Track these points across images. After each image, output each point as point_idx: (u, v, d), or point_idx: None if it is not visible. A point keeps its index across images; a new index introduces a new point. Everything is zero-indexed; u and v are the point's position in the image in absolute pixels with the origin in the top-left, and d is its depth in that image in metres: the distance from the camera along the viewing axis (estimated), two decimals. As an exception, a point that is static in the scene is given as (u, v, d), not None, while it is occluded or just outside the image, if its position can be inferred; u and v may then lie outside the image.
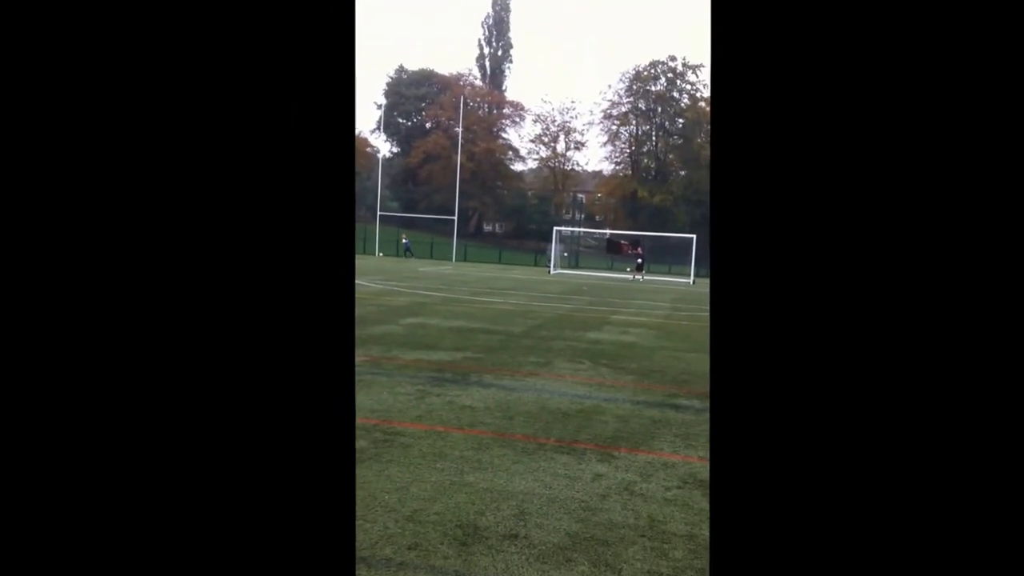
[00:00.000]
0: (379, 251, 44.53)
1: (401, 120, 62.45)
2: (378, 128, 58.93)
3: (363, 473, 4.22)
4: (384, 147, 61.80)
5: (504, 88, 66.00)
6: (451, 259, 43.76)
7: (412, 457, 4.61)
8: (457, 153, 48.64)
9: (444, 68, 77.44)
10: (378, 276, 23.97)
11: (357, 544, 3.25)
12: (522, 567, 3.15)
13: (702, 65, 52.62)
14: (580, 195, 61.16)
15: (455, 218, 45.58)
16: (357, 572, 2.98)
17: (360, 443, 4.83)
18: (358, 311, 12.89)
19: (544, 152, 60.42)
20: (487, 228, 61.27)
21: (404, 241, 44.28)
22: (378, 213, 46.28)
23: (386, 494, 3.92)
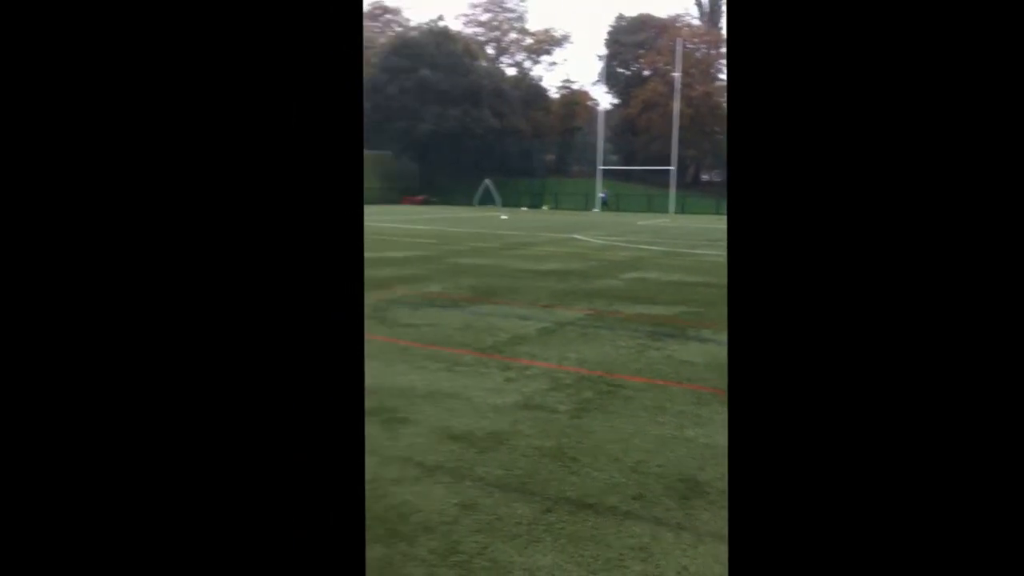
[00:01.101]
0: (599, 207, 44.74)
1: (621, 70, 61.62)
2: (600, 80, 58.77)
3: (589, 422, 4.48)
4: (604, 99, 61.58)
5: (721, 26, 62.62)
6: (668, 211, 42.91)
7: (634, 409, 4.80)
8: (674, 99, 47.20)
9: (661, 11, 75.12)
10: (600, 231, 24.24)
11: (585, 492, 3.50)
12: (744, 522, 3.22)
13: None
14: (809, 136, 56.59)
15: (673, 168, 44.49)
16: (585, 519, 3.23)
17: (586, 394, 5.10)
18: (583, 266, 13.24)
19: (768, 91, 56.61)
20: (704, 177, 59.10)
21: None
22: (598, 168, 46.33)
23: (611, 444, 4.14)
